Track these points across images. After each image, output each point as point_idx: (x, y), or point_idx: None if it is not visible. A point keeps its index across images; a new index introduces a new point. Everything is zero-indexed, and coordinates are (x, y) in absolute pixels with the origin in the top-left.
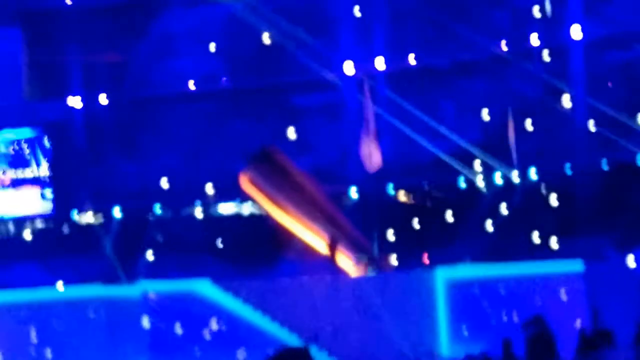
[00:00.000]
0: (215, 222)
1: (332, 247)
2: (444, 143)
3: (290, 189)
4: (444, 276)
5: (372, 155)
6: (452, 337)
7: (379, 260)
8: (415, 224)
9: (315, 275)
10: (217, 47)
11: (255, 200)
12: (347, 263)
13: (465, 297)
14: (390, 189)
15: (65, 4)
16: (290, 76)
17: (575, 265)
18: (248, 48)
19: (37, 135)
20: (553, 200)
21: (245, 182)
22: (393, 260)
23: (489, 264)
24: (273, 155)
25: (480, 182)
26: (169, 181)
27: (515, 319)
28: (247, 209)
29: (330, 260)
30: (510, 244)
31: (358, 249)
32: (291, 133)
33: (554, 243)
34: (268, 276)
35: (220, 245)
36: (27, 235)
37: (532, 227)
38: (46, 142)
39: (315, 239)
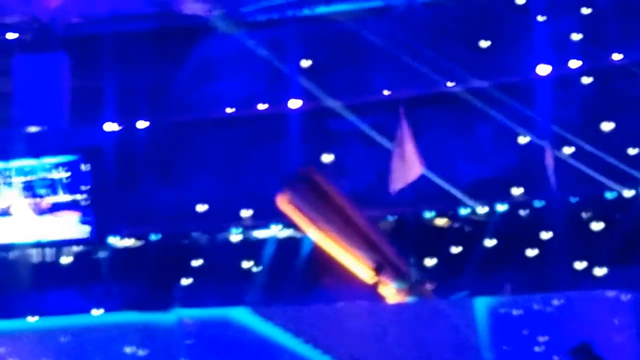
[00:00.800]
0: (252, 247)
1: (376, 273)
2: (482, 167)
3: (330, 211)
4: (484, 304)
5: (404, 178)
6: None
7: (420, 287)
8: (454, 250)
9: (355, 302)
10: (255, 71)
11: (294, 222)
12: (388, 289)
13: (507, 326)
14: (427, 213)
15: (108, 29)
16: (328, 99)
17: (622, 294)
18: (286, 72)
19: (76, 161)
20: (596, 226)
21: (283, 203)
22: (433, 287)
23: (531, 292)
24: (312, 176)
25: (518, 207)
26: (206, 205)
27: (561, 348)
28: (284, 233)
29: (371, 287)
30: (552, 271)
31: (400, 276)
32: (328, 157)
33: (598, 270)
34: (306, 302)
35: (257, 270)
36: (64, 260)
37: (575, 253)
38: (85, 168)
39: (356, 264)
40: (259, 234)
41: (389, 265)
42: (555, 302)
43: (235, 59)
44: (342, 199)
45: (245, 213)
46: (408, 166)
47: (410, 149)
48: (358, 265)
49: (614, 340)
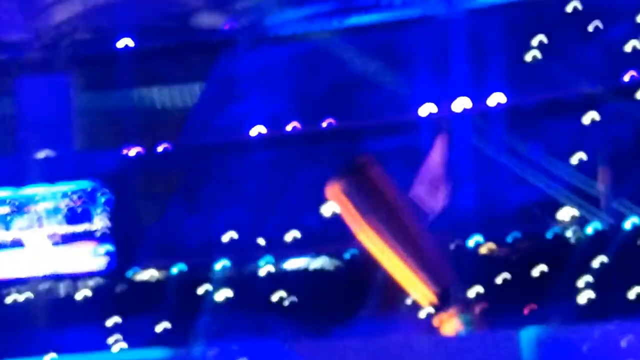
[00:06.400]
0: (283, 278)
1: (439, 299)
2: (531, 190)
3: (388, 212)
4: (531, 336)
5: (432, 201)
6: None
7: (475, 318)
8: (499, 279)
9: (392, 335)
10: (284, 89)
11: (343, 215)
12: (446, 318)
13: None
14: (471, 240)
15: (119, 47)
16: (363, 119)
17: None
18: (317, 90)
19: (92, 188)
20: None
21: (334, 193)
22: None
23: (582, 323)
24: (371, 168)
25: (570, 232)
26: (233, 235)
27: None
28: (317, 263)
29: (419, 312)
30: (604, 301)
31: (461, 304)
32: None
33: None
34: (339, 336)
35: (287, 302)
36: (82, 294)
37: (630, 282)
38: (101, 195)
39: (411, 281)
40: (290, 264)
41: (452, 292)
42: (607, 331)
43: (261, 76)
44: (404, 202)
45: (276, 242)
46: (431, 192)
47: (438, 173)
48: (413, 284)
49: None
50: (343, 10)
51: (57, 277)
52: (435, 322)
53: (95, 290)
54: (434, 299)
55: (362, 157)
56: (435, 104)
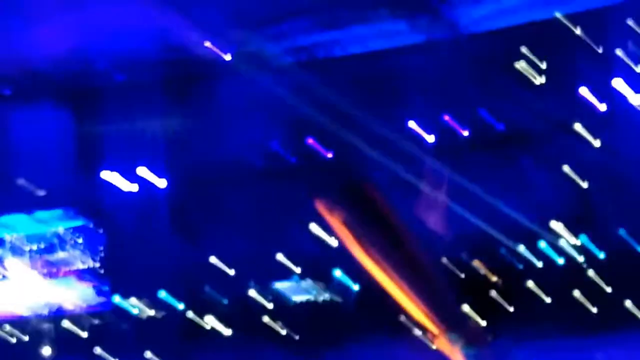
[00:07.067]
0: (284, 312)
1: (444, 331)
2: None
3: (387, 239)
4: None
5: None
6: None
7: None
8: (494, 297)
9: None
10: (280, 118)
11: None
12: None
13: None
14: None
15: (116, 79)
16: (366, 147)
17: None
18: (314, 119)
19: (86, 224)
20: None
21: (332, 219)
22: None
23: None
24: (369, 193)
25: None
26: (233, 268)
27: None
28: (320, 297)
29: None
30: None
31: (467, 336)
32: None
33: None
34: None
35: (288, 335)
36: (80, 333)
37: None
38: (95, 228)
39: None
40: (292, 297)
41: (455, 323)
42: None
43: (257, 105)
44: (402, 230)
45: (277, 275)
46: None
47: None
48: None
49: None
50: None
51: (54, 317)
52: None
53: (92, 329)
54: (438, 334)
55: (360, 181)
56: (441, 129)
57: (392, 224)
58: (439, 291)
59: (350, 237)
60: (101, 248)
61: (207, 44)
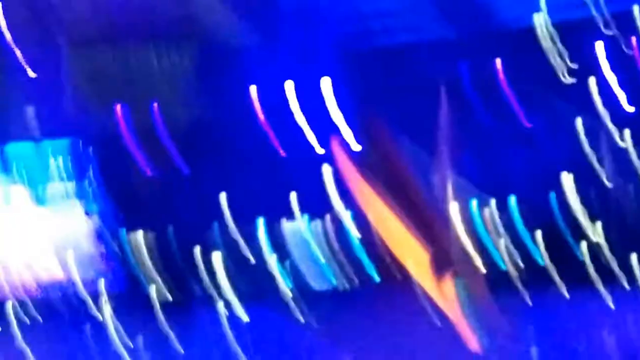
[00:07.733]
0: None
1: (436, 261)
2: None
3: (391, 174)
4: None
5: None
6: None
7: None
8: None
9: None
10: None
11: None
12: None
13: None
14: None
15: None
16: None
17: None
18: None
19: (81, 145)
20: None
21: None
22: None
23: None
24: (380, 132)
25: None
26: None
27: None
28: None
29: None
30: None
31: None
32: None
33: None
34: None
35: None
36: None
37: None
38: (103, 161)
39: (409, 247)
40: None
41: (448, 255)
42: None
43: None
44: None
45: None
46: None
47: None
48: (408, 246)
49: None
50: None
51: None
52: (429, 288)
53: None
54: (429, 260)
55: (371, 119)
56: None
57: (397, 159)
58: (436, 225)
59: (352, 167)
60: (109, 180)
61: None
